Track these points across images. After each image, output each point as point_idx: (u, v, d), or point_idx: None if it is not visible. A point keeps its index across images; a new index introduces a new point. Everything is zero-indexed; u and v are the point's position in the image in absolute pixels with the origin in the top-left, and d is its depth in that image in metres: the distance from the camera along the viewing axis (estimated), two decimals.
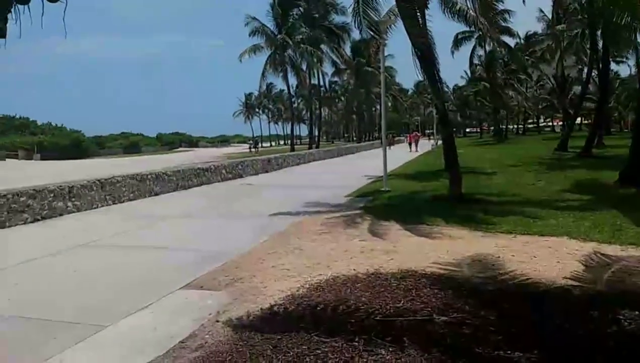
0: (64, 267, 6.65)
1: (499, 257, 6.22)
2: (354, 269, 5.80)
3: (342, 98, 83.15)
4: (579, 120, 50.86)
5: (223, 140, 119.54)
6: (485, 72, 56.75)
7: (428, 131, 73.60)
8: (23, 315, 4.80)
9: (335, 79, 69.50)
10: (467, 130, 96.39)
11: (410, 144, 44.14)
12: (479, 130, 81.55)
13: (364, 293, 4.89)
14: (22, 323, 4.61)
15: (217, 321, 4.45)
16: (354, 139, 75.57)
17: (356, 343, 3.71)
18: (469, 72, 66.55)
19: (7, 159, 59.06)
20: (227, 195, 14.87)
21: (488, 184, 14.27)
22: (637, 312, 4.11)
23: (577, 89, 46.63)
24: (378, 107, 69.18)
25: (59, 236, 8.96)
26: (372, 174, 17.98)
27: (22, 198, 10.48)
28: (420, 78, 13.89)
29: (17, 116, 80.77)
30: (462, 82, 76.36)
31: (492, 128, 70.96)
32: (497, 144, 47.37)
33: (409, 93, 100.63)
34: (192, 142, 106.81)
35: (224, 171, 19.46)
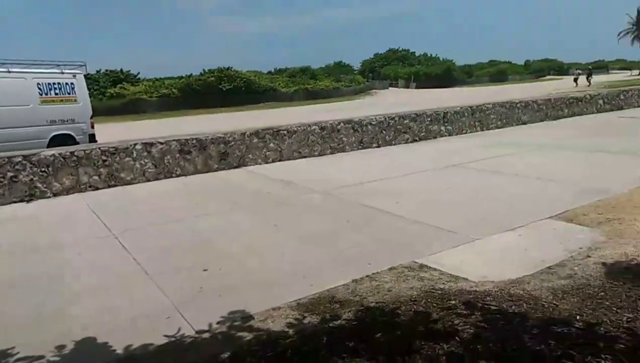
0: (439, 183, 7.57)
1: None
2: None
3: None
4: None
5: (599, 67, 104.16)
6: None
7: None
8: (412, 218, 5.81)
9: None
10: None
11: None
12: None
13: None
14: (409, 223, 5.61)
15: (588, 257, 4.31)
16: None
17: None
18: None
19: (390, 88, 68.30)
20: (604, 128, 13.26)
21: None
22: None
23: None
24: None
25: (434, 155, 10.10)
26: None
27: (405, 121, 12.18)
28: None
29: (400, 49, 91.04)
30: None
31: None
32: None
33: None
34: (562, 70, 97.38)
35: (600, 101, 17.30)
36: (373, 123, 11.67)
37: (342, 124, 11.15)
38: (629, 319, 3.13)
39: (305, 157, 10.36)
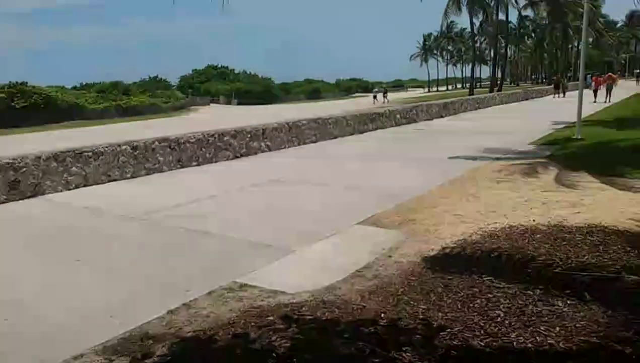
0: (258, 198, 7.65)
1: None
2: (534, 220, 5.53)
3: (533, 35, 75.00)
4: None
5: (398, 85, 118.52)
6: None
7: (637, 70, 62.62)
8: (232, 236, 5.72)
9: (527, 13, 62.74)
10: None
11: (595, 92, 28.00)
12: None
13: (543, 244, 4.68)
14: (232, 242, 5.52)
15: (390, 256, 4.75)
16: (544, 80, 68.19)
17: (531, 292, 3.65)
18: None
19: (211, 104, 67.64)
20: (401, 139, 15.02)
21: None
22: None
23: None
24: (575, 43, 60.87)
25: (254, 172, 10.21)
26: (564, 119, 16.27)
27: (225, 138, 12.10)
28: (636, 6, 11.78)
29: (219, 65, 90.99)
30: None
31: None
32: None
33: (618, 25, 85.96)
34: (367, 88, 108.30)
35: (397, 116, 19.54)
36: (192, 140, 11.33)
37: (157, 143, 10.58)
38: (423, 310, 3.50)
39: (115, 180, 9.54)
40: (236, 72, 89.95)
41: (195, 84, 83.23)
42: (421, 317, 3.40)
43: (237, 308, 3.79)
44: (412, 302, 3.62)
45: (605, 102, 26.12)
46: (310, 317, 3.48)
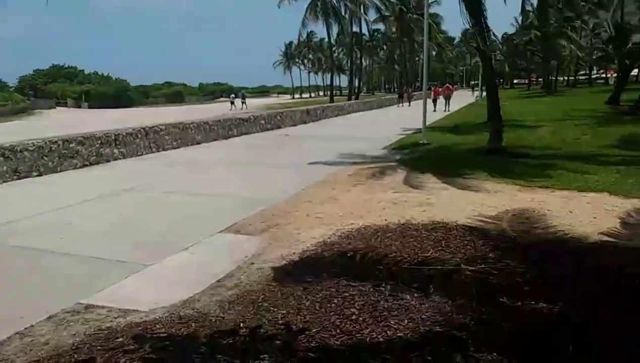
0: (110, 210, 7.07)
1: (534, 211, 6.18)
2: (386, 219, 5.91)
3: (385, 47, 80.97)
4: (635, 71, 47.73)
5: (263, 91, 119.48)
6: (537, 20, 53.65)
7: (473, 82, 71.12)
8: (77, 253, 5.18)
9: (378, 26, 67.51)
10: (515, 81, 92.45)
11: (434, 101, 30.33)
12: (527, 81, 78.15)
13: (393, 242, 5.01)
14: (77, 260, 5.00)
15: (252, 263, 4.69)
16: (395, 90, 73.95)
17: (382, 288, 3.86)
18: (520, 20, 63.10)
19: (57, 107, 61.34)
20: (266, 145, 15.10)
21: (531, 137, 13.86)
22: None
23: (637, 38, 43.54)
24: (422, 56, 67.03)
25: (106, 181, 9.43)
26: (412, 126, 17.75)
27: (71, 145, 11.02)
28: (467, 25, 13.31)
29: (66, 65, 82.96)
30: (512, 30, 72.65)
31: (540, 79, 67.84)
32: (546, 96, 45.42)
33: (455, 42, 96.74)
34: (232, 92, 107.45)
35: (262, 122, 19.65)
36: (30, 148, 10.11)
37: None
38: (283, 315, 3.50)
39: None
40: (86, 72, 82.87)
41: (37, 85, 74.88)
42: (281, 322, 3.40)
43: (82, 332, 3.43)
44: (272, 308, 3.60)
45: (445, 110, 29.13)
46: (165, 335, 3.28)
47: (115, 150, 12.10)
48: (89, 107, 63.78)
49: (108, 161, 11.76)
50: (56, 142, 10.64)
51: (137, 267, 4.70)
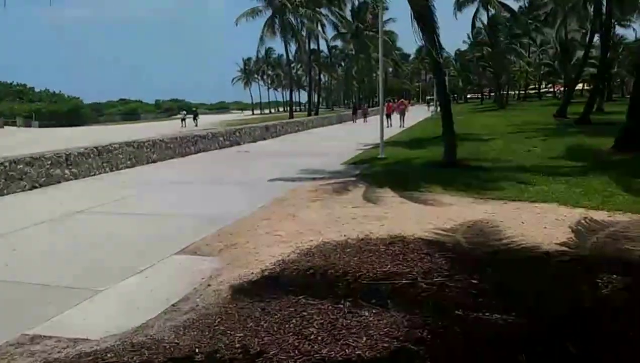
0: (60, 234, 6.79)
1: (488, 222, 6.34)
2: (345, 235, 5.92)
3: (342, 64, 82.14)
4: (580, 85, 50.34)
5: (222, 107, 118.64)
6: (488, 37, 55.88)
7: (428, 97, 73.03)
8: (22, 281, 4.93)
9: (336, 43, 68.50)
10: (469, 96, 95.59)
11: (388, 116, 28.61)
12: (480, 96, 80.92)
13: (352, 258, 5.01)
14: (22, 288, 4.75)
15: (209, 285, 4.59)
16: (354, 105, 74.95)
17: (341, 306, 3.84)
18: (471, 37, 65.53)
19: (5, 127, 58.83)
20: (224, 162, 14.95)
21: (484, 150, 14.31)
22: (614, 276, 4.23)
23: (580, 53, 46.03)
24: (378, 72, 68.38)
25: (57, 203, 9.07)
26: (370, 141, 17.99)
27: (19, 166, 10.56)
28: (420, 43, 13.68)
29: (15, 83, 79.89)
30: (464, 47, 75.32)
31: (492, 94, 70.39)
32: (498, 109, 47.13)
33: (411, 59, 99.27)
34: (190, 109, 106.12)
35: (221, 138, 19.46)
36: None
37: None
38: (240, 338, 3.42)
39: None
40: (37, 90, 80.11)
41: None
42: (238, 345, 3.32)
43: None
44: (229, 332, 3.52)
45: (400, 126, 29.26)
46: None
47: (67, 171, 11.67)
48: (40, 126, 61.49)
49: (59, 182, 11.32)
50: (2, 163, 10.16)
51: (87, 293, 4.52)
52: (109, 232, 6.89)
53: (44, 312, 4.13)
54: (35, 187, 10.74)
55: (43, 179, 11.02)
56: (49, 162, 11.22)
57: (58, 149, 11.89)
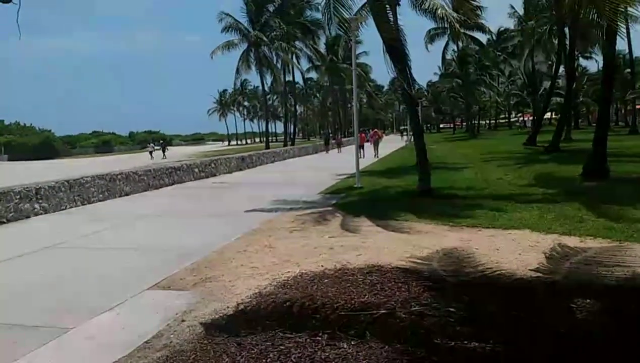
0: (28, 270, 6.55)
1: (463, 250, 6.39)
2: (322, 265, 5.87)
3: (318, 95, 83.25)
4: (548, 114, 52.07)
5: (197, 139, 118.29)
6: (458, 68, 57.63)
7: (402, 127, 74.30)
8: None
9: (311, 75, 69.50)
10: (441, 125, 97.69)
11: (361, 147, 25.01)
12: (452, 125, 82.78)
13: (330, 289, 4.96)
14: None
15: (183, 320, 4.47)
16: (331, 135, 75.66)
17: (319, 338, 3.78)
18: (442, 68, 67.46)
19: None
20: (199, 194, 14.79)
21: (457, 179, 14.54)
22: (588, 301, 4.29)
23: (547, 84, 47.74)
24: (353, 103, 69.41)
25: (25, 238, 8.80)
26: (346, 171, 18.11)
27: None
28: (392, 74, 13.99)
29: None
30: (435, 78, 77.42)
31: (464, 123, 72.13)
32: (469, 139, 48.24)
33: (385, 90, 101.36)
34: (165, 141, 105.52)
35: (196, 170, 19.32)
36: None
37: None
38: None
39: None
40: (6, 123, 78.68)
41: None
42: None
43: None
44: None
45: (375, 156, 29.41)
46: None
47: (36, 205, 11.36)
48: (9, 160, 60.09)
49: (28, 217, 11.00)
50: None
51: (55, 332, 4.34)
52: (79, 267, 6.69)
53: (8, 354, 3.94)
54: (3, 223, 10.41)
55: (11, 214, 10.70)
56: (18, 197, 10.92)
57: (27, 183, 11.60)
